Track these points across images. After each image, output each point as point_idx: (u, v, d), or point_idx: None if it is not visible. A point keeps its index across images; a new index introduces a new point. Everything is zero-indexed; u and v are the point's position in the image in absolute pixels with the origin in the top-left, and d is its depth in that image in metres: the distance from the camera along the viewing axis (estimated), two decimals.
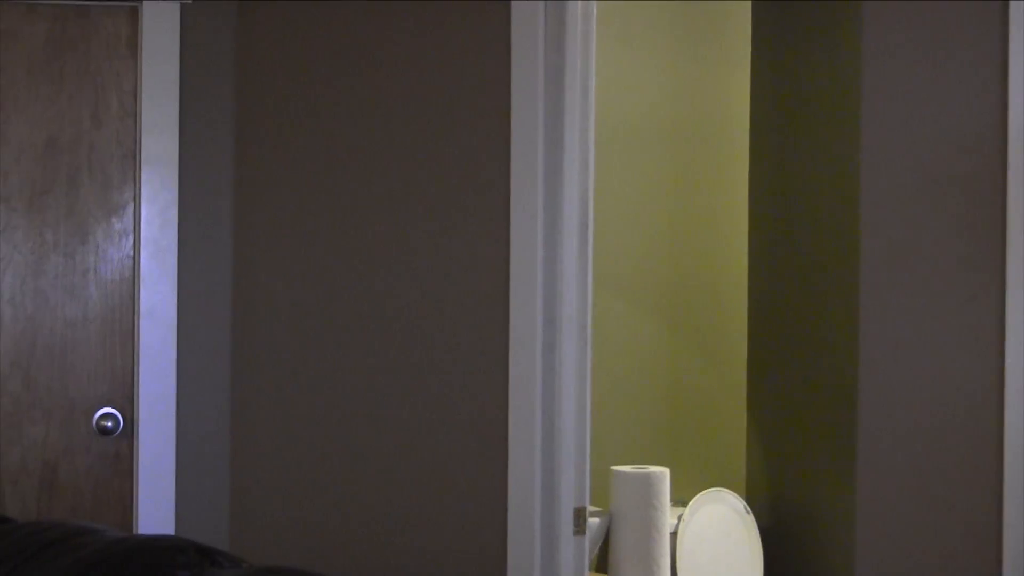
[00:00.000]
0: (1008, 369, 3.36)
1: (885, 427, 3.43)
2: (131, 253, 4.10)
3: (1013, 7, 3.35)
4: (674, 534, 5.08)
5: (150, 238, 4.07)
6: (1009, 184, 3.33)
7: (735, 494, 5.03)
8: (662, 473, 5.03)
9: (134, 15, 4.09)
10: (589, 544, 3.81)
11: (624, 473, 5.21)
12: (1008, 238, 3.33)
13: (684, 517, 5.09)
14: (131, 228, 4.10)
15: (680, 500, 5.30)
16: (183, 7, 4.07)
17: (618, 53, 5.32)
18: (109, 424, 4.08)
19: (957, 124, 3.38)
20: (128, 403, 4.10)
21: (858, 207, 3.42)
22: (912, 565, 3.45)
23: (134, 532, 4.04)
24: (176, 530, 4.03)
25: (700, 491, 5.16)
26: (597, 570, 5.24)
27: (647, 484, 5.10)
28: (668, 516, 5.04)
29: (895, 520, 3.44)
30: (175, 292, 4.07)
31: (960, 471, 3.41)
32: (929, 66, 3.40)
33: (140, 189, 4.07)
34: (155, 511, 4.05)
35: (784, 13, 4.17)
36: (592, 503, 3.88)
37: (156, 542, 2.60)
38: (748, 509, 4.92)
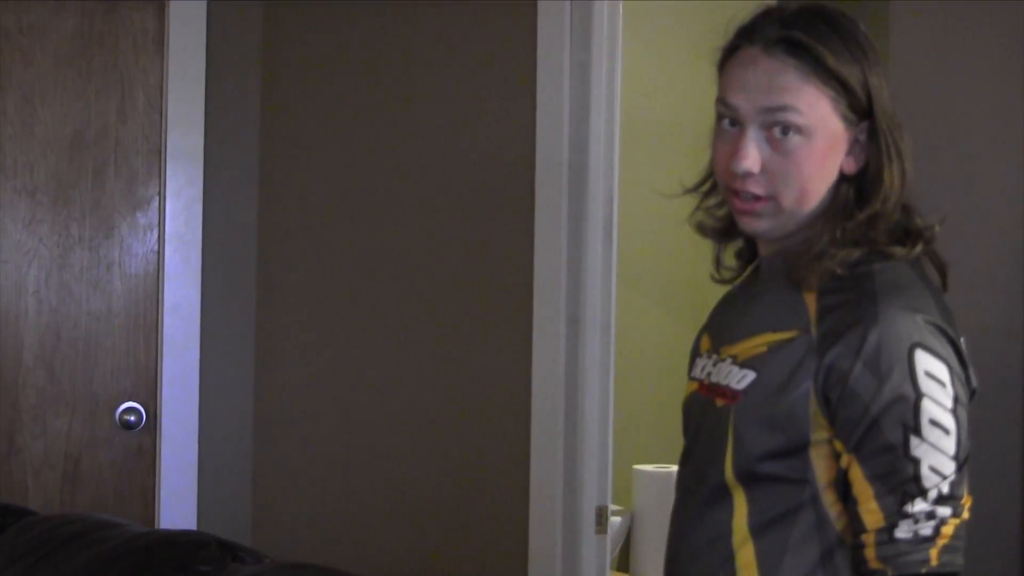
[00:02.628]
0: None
1: None
2: (156, 248, 4.11)
3: None
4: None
5: (175, 233, 4.07)
6: None
7: None
8: None
9: (161, 10, 4.09)
10: (611, 543, 3.80)
11: (646, 472, 5.21)
12: None
13: None
14: (156, 223, 4.11)
15: None
16: (209, 2, 4.08)
17: (643, 53, 5.32)
18: (132, 418, 4.09)
19: (983, 127, 3.37)
20: (151, 397, 4.11)
21: None
22: None
23: (156, 527, 4.05)
24: (198, 525, 4.04)
25: None
26: (619, 569, 5.24)
27: (669, 483, 5.09)
28: None
29: None
30: (199, 287, 4.08)
31: (978, 471, 3.41)
32: (956, 70, 3.39)
33: (165, 184, 4.08)
34: (177, 506, 4.06)
35: None
36: (614, 502, 3.88)
37: (178, 537, 2.61)
38: None
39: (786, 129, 1.99)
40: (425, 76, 3.94)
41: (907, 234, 2.04)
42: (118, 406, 4.11)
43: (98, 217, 4.10)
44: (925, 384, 1.87)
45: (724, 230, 2.21)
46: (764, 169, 2.01)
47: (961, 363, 1.94)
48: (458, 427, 3.87)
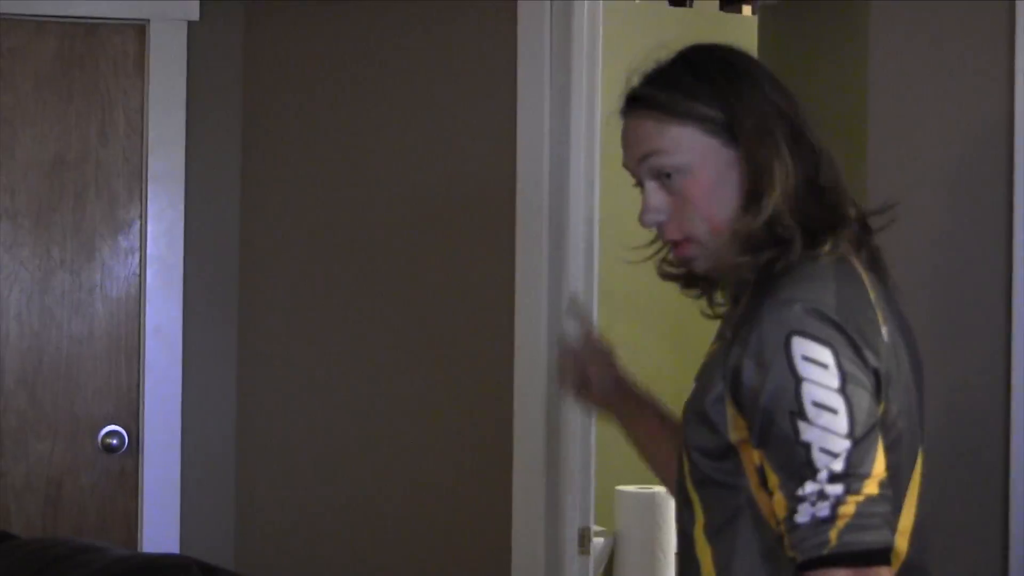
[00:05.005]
0: (1014, 371, 3.35)
1: None
2: (137, 271, 4.10)
3: (1019, 7, 3.34)
4: (679, 554, 5.08)
5: (156, 255, 4.07)
6: (1015, 187, 3.33)
7: None
8: (667, 493, 5.02)
9: (142, 33, 4.09)
10: (593, 564, 3.81)
11: (629, 493, 5.21)
12: (1014, 240, 3.33)
13: None
14: (137, 246, 4.10)
15: None
16: (190, 25, 4.08)
17: (624, 68, 5.32)
18: (114, 441, 4.08)
19: (964, 128, 3.38)
20: (133, 421, 4.10)
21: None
22: None
23: (138, 550, 4.04)
24: (181, 548, 4.03)
25: None
26: None
27: (652, 504, 5.10)
28: (673, 536, 5.03)
29: None
30: (181, 310, 4.08)
31: (967, 474, 3.41)
32: (936, 70, 3.40)
33: (147, 207, 4.07)
34: (160, 529, 4.05)
35: (790, 19, 4.18)
36: (597, 523, 3.88)
37: (160, 560, 2.60)
38: None
39: (667, 172, 2.11)
40: (405, 99, 3.95)
41: (813, 234, 2.07)
42: (100, 429, 4.10)
43: (79, 240, 4.10)
44: (804, 368, 1.90)
45: (687, 275, 2.29)
46: (671, 215, 2.13)
47: (854, 345, 1.94)
48: (440, 448, 3.87)
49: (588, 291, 3.72)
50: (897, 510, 1.99)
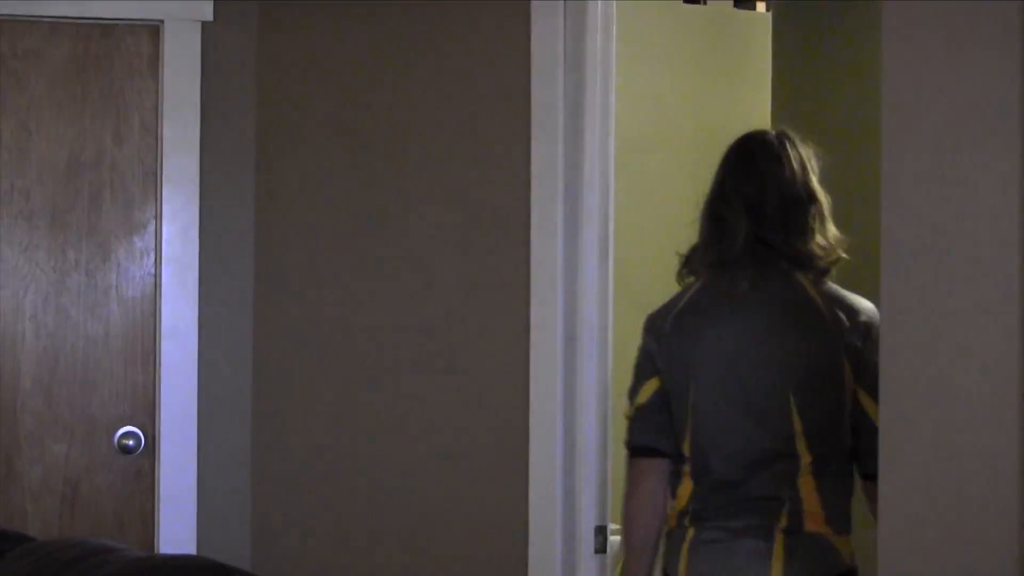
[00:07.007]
0: None
1: (906, 441, 3.41)
2: (152, 271, 4.11)
3: None
4: None
5: (171, 256, 4.07)
6: None
7: None
8: None
9: (156, 34, 4.10)
10: (610, 562, 3.80)
11: None
12: None
13: None
14: (153, 246, 4.11)
15: None
16: (204, 26, 4.08)
17: (638, 66, 5.32)
18: (131, 442, 4.09)
19: (978, 130, 3.37)
20: (150, 421, 4.10)
21: (878, 217, 3.41)
22: None
23: (155, 551, 4.04)
24: (197, 549, 4.03)
25: None
26: None
27: None
28: None
29: (916, 537, 3.42)
30: (196, 310, 4.08)
31: (982, 484, 3.40)
32: (950, 65, 3.39)
33: (162, 208, 4.08)
34: (176, 530, 4.05)
35: (803, 16, 4.17)
36: (613, 521, 3.87)
37: (177, 562, 2.60)
38: None
39: None
40: (420, 94, 3.94)
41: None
42: (116, 430, 4.10)
43: (95, 241, 4.10)
44: None
45: None
46: None
47: (645, 329, 3.35)
48: (456, 448, 3.86)
49: (603, 288, 3.71)
50: (678, 429, 3.24)
